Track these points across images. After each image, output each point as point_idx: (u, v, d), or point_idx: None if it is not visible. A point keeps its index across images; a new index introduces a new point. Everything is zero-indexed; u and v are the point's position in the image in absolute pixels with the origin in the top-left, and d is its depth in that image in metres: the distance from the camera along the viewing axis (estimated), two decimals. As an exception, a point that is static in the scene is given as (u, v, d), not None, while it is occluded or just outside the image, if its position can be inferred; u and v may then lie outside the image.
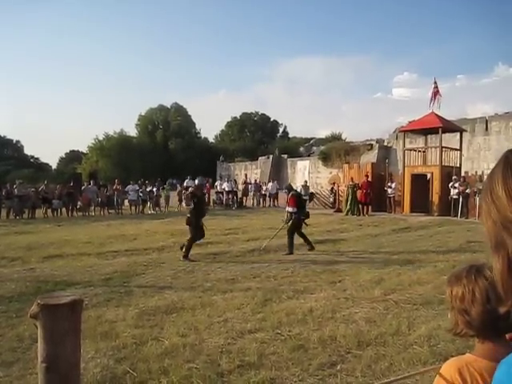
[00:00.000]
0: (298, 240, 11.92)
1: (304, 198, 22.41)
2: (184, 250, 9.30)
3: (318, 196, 27.52)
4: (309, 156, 41.06)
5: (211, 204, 27.71)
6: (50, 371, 1.52)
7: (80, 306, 1.60)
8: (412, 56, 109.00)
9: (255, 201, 28.08)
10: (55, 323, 1.51)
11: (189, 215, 9.73)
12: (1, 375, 3.79)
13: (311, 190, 25.64)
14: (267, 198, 28.25)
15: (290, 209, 10.55)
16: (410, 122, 25.54)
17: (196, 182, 11.39)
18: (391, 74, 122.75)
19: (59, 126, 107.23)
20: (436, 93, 20.90)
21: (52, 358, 1.51)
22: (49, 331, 1.52)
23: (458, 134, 22.02)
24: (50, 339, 1.52)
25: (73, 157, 63.46)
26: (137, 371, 3.79)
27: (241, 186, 29.75)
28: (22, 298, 6.26)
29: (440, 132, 20.41)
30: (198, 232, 9.55)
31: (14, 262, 9.22)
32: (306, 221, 10.74)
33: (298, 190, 23.54)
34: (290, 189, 11.20)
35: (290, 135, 65.02)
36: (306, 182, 25.21)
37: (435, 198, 20.02)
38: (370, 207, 20.95)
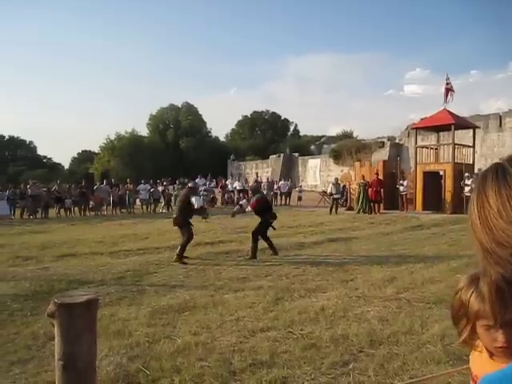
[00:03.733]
0: (307, 239, 11.92)
1: (336, 196, 21.99)
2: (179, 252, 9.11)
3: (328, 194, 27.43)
4: (319, 154, 40.98)
5: (222, 203, 27.72)
6: (66, 369, 1.54)
7: (96, 304, 1.62)
8: (424, 52, 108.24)
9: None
10: (72, 322, 1.53)
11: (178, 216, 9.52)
12: (17, 372, 3.84)
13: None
14: (279, 197, 28.22)
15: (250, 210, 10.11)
16: (421, 119, 25.38)
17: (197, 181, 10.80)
18: (403, 71, 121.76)
19: (71, 126, 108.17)
20: (448, 89, 20.73)
21: (69, 356, 1.53)
22: (65, 330, 1.54)
23: (471, 130, 21.81)
24: (66, 337, 1.54)
25: (85, 157, 63.99)
26: (149, 369, 3.82)
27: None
28: (37, 296, 6.33)
29: (452, 129, 20.22)
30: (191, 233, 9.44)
31: (29, 261, 9.32)
32: (273, 224, 10.05)
33: (329, 188, 23.07)
34: (254, 191, 10.53)
35: (301, 133, 65.03)
36: (336, 179, 23.54)
37: (448, 196, 19.85)
38: (381, 205, 20.82)
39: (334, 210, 20.91)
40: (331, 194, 22.04)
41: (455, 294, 1.25)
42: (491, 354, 1.16)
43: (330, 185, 22.95)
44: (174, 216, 9.64)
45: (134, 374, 3.76)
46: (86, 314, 1.55)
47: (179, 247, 9.11)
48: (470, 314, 1.18)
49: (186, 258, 9.13)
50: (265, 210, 9.93)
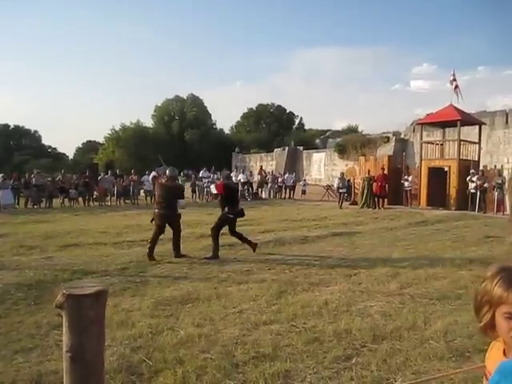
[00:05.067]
0: (310, 233, 11.91)
1: (341, 190, 21.99)
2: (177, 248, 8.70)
3: (333, 188, 27.34)
4: (324, 148, 40.88)
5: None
6: (75, 361, 1.54)
7: (104, 295, 1.62)
8: (432, 47, 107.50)
9: (272, 192, 28.01)
10: (80, 313, 1.52)
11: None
12: (20, 361, 3.85)
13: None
14: (283, 190, 28.19)
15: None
16: (427, 115, 25.24)
17: (168, 172, 9.14)
18: (410, 66, 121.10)
19: (76, 116, 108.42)
20: (456, 86, 20.62)
21: (77, 348, 1.53)
22: (74, 321, 1.53)
23: (477, 127, 21.68)
24: (74, 329, 1.53)
25: (89, 147, 64.10)
26: (152, 360, 3.82)
27: (257, 177, 29.66)
28: (41, 285, 6.34)
29: (458, 125, 20.12)
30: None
31: (33, 250, 9.35)
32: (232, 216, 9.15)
33: (336, 182, 22.98)
34: (224, 177, 10.10)
35: (306, 127, 64.94)
36: (342, 173, 23.61)
37: (452, 192, 19.79)
38: (385, 200, 20.78)
39: (343, 203, 20.97)
40: (338, 189, 22.06)
41: (481, 282, 1.28)
42: (506, 348, 1.18)
43: (337, 179, 22.88)
44: (163, 212, 8.64)
45: (136, 364, 3.77)
46: (95, 306, 1.55)
47: (175, 245, 8.66)
48: (493, 300, 1.22)
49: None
50: (227, 202, 9.12)
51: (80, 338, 1.52)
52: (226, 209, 9.03)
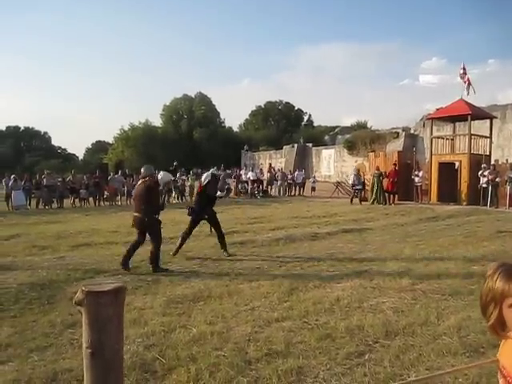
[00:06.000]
0: (321, 229, 11.88)
1: (357, 187, 21.95)
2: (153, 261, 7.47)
3: (343, 185, 27.24)
4: (333, 145, 40.75)
5: (236, 194, 27.60)
6: (94, 357, 1.55)
7: (123, 292, 1.63)
8: (441, 41, 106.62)
9: (281, 190, 27.96)
10: (99, 310, 1.54)
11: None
12: (36, 359, 3.89)
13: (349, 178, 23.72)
14: (293, 187, 28.14)
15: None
16: (437, 110, 25.04)
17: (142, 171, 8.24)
18: (419, 60, 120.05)
19: (85, 117, 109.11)
20: (468, 80, 20.43)
21: (96, 344, 1.55)
22: (93, 318, 1.55)
23: (488, 121, 21.48)
24: (94, 326, 1.55)
25: (99, 147, 64.58)
26: (166, 358, 3.84)
27: (266, 175, 29.63)
28: (53, 285, 6.41)
29: (469, 119, 19.92)
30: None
31: (45, 250, 9.42)
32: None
33: (351, 179, 22.95)
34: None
35: (315, 124, 64.84)
36: (358, 170, 23.13)
37: (463, 187, 19.63)
38: (396, 196, 20.67)
39: (358, 200, 20.98)
40: (353, 185, 22.02)
41: (484, 282, 1.27)
42: None
43: (352, 176, 22.70)
44: (138, 216, 7.72)
45: (150, 362, 3.79)
46: (114, 303, 1.56)
47: (151, 256, 7.49)
48: (496, 295, 1.21)
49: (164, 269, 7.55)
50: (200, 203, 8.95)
51: (99, 334, 1.54)
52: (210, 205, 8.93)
